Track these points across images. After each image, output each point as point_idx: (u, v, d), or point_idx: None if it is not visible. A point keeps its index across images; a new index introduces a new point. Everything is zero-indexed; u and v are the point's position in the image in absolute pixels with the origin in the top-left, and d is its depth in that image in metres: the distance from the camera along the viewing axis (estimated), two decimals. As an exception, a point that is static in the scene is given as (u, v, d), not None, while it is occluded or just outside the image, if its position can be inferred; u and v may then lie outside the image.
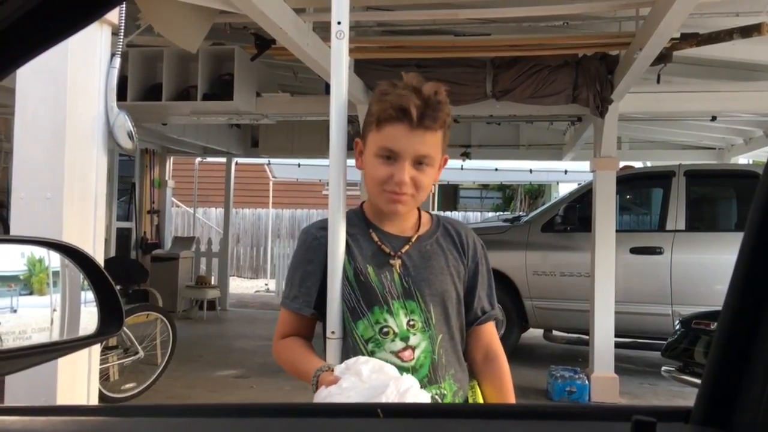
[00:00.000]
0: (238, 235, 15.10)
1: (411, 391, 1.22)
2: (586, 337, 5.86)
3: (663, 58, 4.38)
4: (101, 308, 0.92)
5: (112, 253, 8.02)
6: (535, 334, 7.51)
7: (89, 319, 0.92)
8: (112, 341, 4.73)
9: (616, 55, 4.94)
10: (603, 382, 5.23)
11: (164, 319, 5.14)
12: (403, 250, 1.42)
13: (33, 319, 0.90)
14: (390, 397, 1.18)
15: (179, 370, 5.52)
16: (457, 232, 1.50)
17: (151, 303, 5.51)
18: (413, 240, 1.44)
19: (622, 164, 6.22)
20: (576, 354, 6.56)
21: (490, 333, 1.49)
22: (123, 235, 9.00)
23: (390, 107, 1.33)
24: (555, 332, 7.59)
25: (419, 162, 1.35)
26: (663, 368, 4.46)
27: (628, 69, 4.37)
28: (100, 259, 2.04)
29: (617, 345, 5.40)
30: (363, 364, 1.28)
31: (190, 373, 5.64)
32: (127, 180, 9.30)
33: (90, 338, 0.93)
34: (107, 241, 8.11)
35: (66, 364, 1.59)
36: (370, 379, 1.24)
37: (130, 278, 5.11)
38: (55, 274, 0.94)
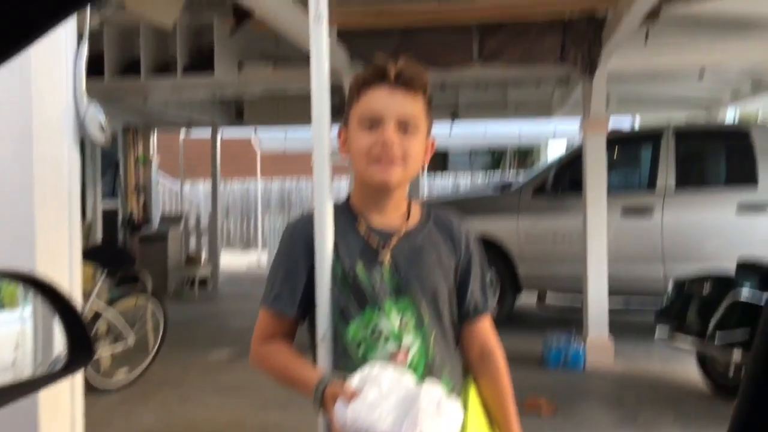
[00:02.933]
0: (228, 208, 14.98)
1: (443, 401, 1.16)
2: (578, 306, 5.88)
3: (651, 15, 4.28)
4: (69, 338, 0.85)
5: (99, 236, 7.90)
6: (528, 301, 7.54)
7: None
8: (102, 329, 4.66)
9: (603, 18, 4.83)
10: (598, 346, 5.23)
11: (154, 303, 5.07)
12: (392, 244, 1.36)
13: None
14: (428, 410, 1.11)
15: (173, 353, 5.46)
16: (449, 222, 1.44)
17: (139, 286, 5.43)
18: (402, 233, 1.38)
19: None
20: (570, 319, 6.58)
21: (485, 329, 1.44)
22: (109, 216, 8.83)
23: (368, 72, 1.34)
24: (548, 302, 7.67)
25: (404, 128, 1.31)
26: (657, 334, 4.47)
27: (617, 28, 4.27)
28: (78, 258, 1.95)
29: (610, 309, 5.40)
30: (380, 374, 1.19)
31: (184, 356, 5.60)
32: (110, 157, 9.10)
33: (60, 373, 0.86)
34: (93, 223, 7.98)
35: (48, 399, 1.51)
36: (393, 391, 1.16)
37: (117, 265, 5.02)
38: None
